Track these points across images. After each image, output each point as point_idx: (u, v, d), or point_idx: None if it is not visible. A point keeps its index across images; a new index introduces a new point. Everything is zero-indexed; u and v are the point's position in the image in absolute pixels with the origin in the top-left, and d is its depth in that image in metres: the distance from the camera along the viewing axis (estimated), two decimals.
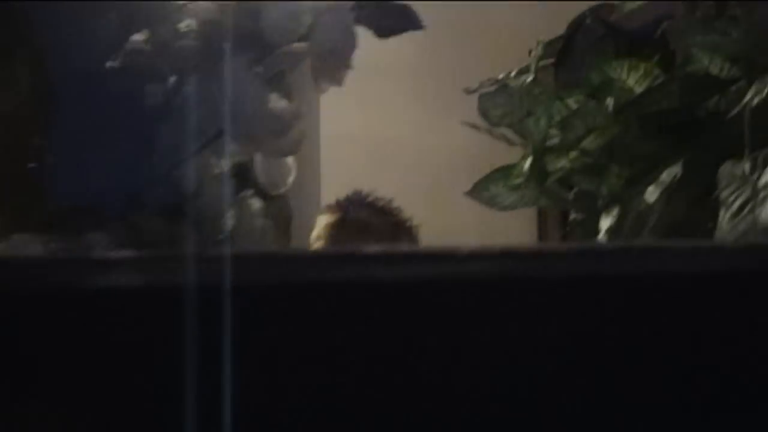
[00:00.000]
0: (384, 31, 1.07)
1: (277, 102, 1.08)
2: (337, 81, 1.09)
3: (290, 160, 1.29)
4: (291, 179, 1.29)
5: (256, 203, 1.04)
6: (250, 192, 1.04)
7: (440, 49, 2.76)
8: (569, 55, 1.33)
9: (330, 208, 2.23)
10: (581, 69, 1.37)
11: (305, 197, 3.54)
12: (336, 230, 2.19)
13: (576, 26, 1.35)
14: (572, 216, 1.28)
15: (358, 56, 1.05)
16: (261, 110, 1.03)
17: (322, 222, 2.21)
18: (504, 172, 1.41)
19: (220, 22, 1.01)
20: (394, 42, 1.10)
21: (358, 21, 1.05)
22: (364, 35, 1.06)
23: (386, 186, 3.60)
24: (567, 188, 1.45)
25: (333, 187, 3.12)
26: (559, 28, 1.41)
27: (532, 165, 1.23)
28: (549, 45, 1.37)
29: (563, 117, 1.37)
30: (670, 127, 1.30)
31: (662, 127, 1.30)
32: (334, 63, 1.05)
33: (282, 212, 1.33)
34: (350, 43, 1.05)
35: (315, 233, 2.22)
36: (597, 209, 1.27)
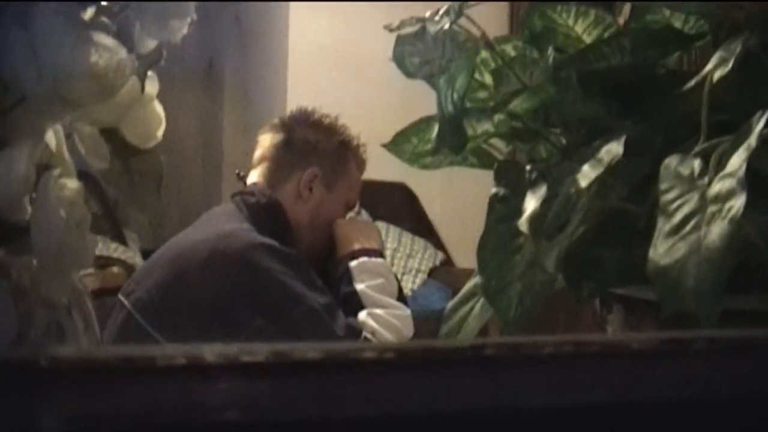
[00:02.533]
0: None
1: (109, 54, 0.84)
2: None
3: (159, 108, 1.06)
4: (161, 132, 1.07)
5: (69, 184, 0.82)
6: (56, 171, 0.81)
7: None
8: None
9: (273, 127, 2.03)
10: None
11: (272, 106, 3.33)
12: (280, 151, 1.99)
13: None
14: (494, 190, 1.06)
15: None
16: (73, 69, 0.79)
17: (266, 142, 2.00)
18: (427, 123, 1.19)
19: None
20: None
21: None
22: None
23: (354, 99, 3.40)
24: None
25: (300, 98, 2.90)
26: None
27: (440, 132, 1.00)
28: None
29: (495, 67, 1.14)
30: (618, 89, 1.06)
31: (608, 90, 1.07)
32: None
33: (151, 168, 1.10)
34: None
35: (258, 153, 2.01)
36: (523, 185, 1.04)
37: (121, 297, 1.84)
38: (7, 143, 0.86)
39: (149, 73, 0.99)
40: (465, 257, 3.53)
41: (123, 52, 0.86)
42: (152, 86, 1.02)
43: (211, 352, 0.46)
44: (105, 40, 0.85)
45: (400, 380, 0.47)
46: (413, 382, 0.47)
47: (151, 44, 0.85)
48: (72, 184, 0.83)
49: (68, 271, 0.84)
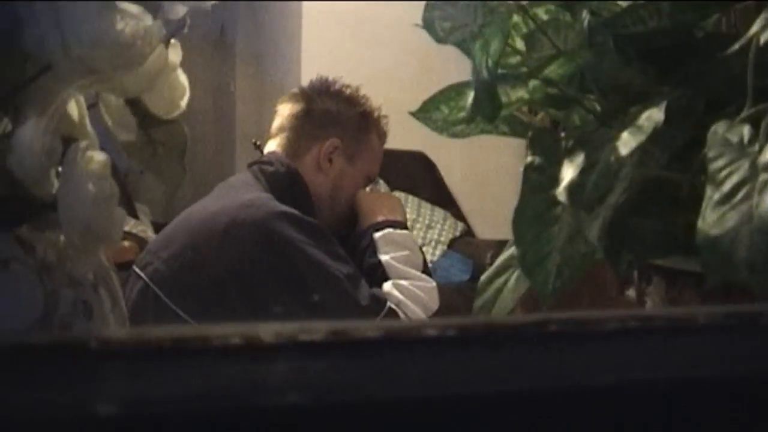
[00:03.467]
0: None
1: (135, 22, 0.82)
2: None
3: (182, 78, 1.04)
4: (184, 101, 1.04)
5: (96, 157, 0.79)
6: (83, 144, 0.79)
7: None
8: None
9: (293, 97, 1.99)
10: None
11: (285, 72, 3.29)
12: (300, 121, 1.96)
13: None
14: (528, 158, 1.03)
15: None
16: (99, 37, 0.77)
17: (285, 111, 1.97)
18: (457, 90, 1.16)
19: None
20: None
21: None
22: None
23: (372, 66, 3.36)
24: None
25: (314, 65, 2.86)
26: None
27: (475, 99, 0.97)
28: None
29: (527, 32, 1.11)
30: (656, 54, 1.03)
31: (645, 54, 1.03)
32: None
33: (175, 139, 1.08)
34: None
35: (277, 123, 1.98)
36: (559, 153, 1.02)
37: (136, 269, 1.82)
38: (29, 114, 0.83)
39: (172, 41, 0.96)
40: (486, 228, 3.49)
41: (149, 19, 0.84)
42: (176, 54, 1.00)
43: (268, 331, 0.44)
44: (131, 7, 0.83)
45: (462, 358, 0.45)
46: (476, 360, 0.45)
47: (181, 10, 0.83)
48: (99, 156, 0.81)
49: (96, 247, 0.82)
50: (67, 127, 0.88)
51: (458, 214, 3.64)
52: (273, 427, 0.42)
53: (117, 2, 0.83)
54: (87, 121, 0.91)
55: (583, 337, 0.48)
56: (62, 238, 0.84)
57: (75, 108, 0.90)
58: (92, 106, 0.95)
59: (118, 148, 0.99)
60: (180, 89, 1.03)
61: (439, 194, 3.62)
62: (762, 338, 0.51)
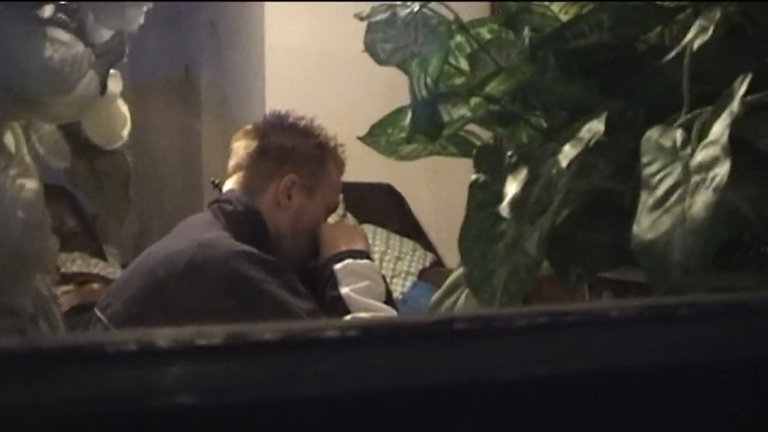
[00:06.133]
0: None
1: (64, 49, 0.81)
2: None
3: (123, 108, 1.03)
4: (126, 131, 1.04)
5: (28, 184, 0.78)
6: (13, 171, 0.78)
7: None
8: None
9: (248, 134, 1.98)
10: None
11: (251, 110, 3.29)
12: (255, 159, 1.94)
13: None
14: (473, 176, 1.03)
15: None
16: (27, 63, 0.76)
17: (240, 150, 1.96)
18: (404, 113, 1.16)
19: None
20: None
21: None
22: None
23: (336, 98, 3.36)
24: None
25: (279, 100, 2.86)
26: None
27: (413, 117, 0.97)
28: None
29: (470, 51, 1.11)
30: (597, 68, 1.04)
31: (587, 69, 1.04)
32: None
33: (118, 168, 1.07)
34: None
35: (233, 161, 1.97)
36: (503, 169, 1.01)
37: (97, 311, 1.80)
38: None
39: (112, 71, 0.96)
40: (455, 257, 3.48)
41: (80, 47, 0.83)
42: (115, 84, 0.99)
43: (164, 336, 0.43)
44: (60, 34, 0.82)
45: (364, 358, 0.44)
46: (378, 360, 0.44)
47: (105, 34, 0.82)
48: (31, 184, 0.80)
49: (30, 275, 0.80)
50: (2, 156, 0.87)
51: (427, 245, 3.63)
52: (165, 429, 0.41)
53: (47, 29, 0.82)
54: (24, 148, 0.90)
55: (489, 335, 0.47)
56: None
57: (11, 137, 0.90)
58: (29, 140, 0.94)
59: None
60: (121, 119, 1.03)
61: (407, 225, 3.62)
62: (677, 330, 0.50)
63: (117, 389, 0.41)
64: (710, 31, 0.87)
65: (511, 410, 0.46)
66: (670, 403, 0.48)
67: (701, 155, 0.76)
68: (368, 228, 3.31)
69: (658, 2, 1.04)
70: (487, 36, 1.12)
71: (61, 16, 0.87)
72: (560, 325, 0.48)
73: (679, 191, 0.76)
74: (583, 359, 0.47)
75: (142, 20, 0.82)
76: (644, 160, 0.80)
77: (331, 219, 2.02)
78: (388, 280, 1.99)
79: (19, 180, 0.76)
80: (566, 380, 0.47)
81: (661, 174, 0.78)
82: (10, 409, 0.39)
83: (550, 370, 0.47)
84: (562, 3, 1.08)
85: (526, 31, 1.06)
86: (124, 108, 1.02)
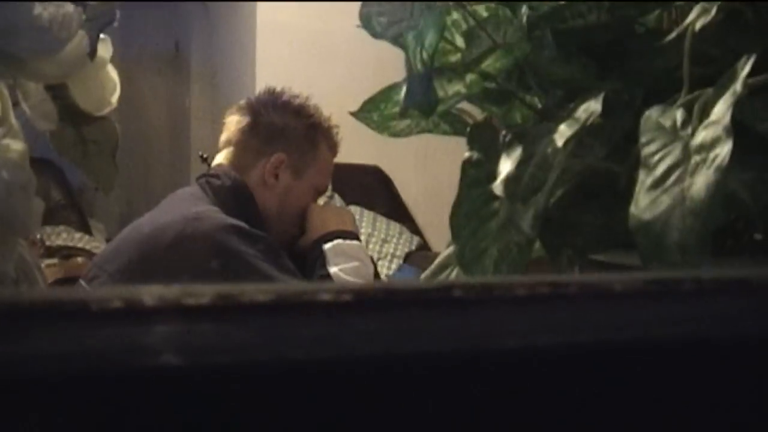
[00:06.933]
0: None
1: (54, 7, 0.79)
2: None
3: (112, 73, 1.01)
4: (115, 97, 1.02)
5: (13, 145, 0.76)
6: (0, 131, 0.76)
7: None
8: None
9: (240, 109, 1.96)
10: None
11: (241, 87, 3.27)
12: (246, 135, 1.93)
13: None
14: (467, 154, 1.01)
15: None
16: (16, 21, 0.74)
17: (232, 125, 1.94)
18: (397, 89, 1.14)
19: None
20: None
21: None
22: None
23: (326, 79, 3.34)
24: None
25: (269, 77, 2.84)
26: None
27: (408, 91, 0.96)
28: None
29: (467, 28, 1.09)
30: (595, 48, 1.02)
31: (585, 49, 1.02)
32: None
33: (106, 136, 1.05)
34: None
35: (224, 136, 1.95)
36: (497, 148, 1.00)
37: (82, 282, 1.78)
38: None
39: (102, 36, 0.94)
40: (442, 241, 3.47)
41: (69, 6, 0.81)
42: (105, 50, 0.97)
43: (151, 294, 0.42)
44: None
45: (356, 323, 0.43)
46: (371, 325, 0.43)
47: None
48: (16, 145, 0.78)
49: (12, 237, 0.79)
50: None
51: (414, 228, 3.62)
52: (150, 388, 0.39)
53: None
54: (10, 109, 0.88)
55: (488, 303, 0.45)
56: None
57: None
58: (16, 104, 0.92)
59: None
60: (110, 85, 1.01)
61: (394, 208, 3.60)
62: (679, 305, 0.49)
63: (101, 348, 0.40)
64: (713, 12, 0.86)
65: (508, 380, 0.44)
66: (672, 376, 0.47)
67: (702, 135, 0.75)
68: (355, 210, 3.30)
69: None
70: (484, 13, 1.10)
71: None
72: (561, 295, 0.47)
73: (678, 171, 0.74)
74: (584, 331, 0.46)
75: None
76: (643, 139, 0.79)
77: (320, 201, 2.00)
78: (374, 261, 1.98)
79: (5, 140, 0.74)
80: (566, 351, 0.45)
81: (661, 153, 0.77)
82: None
83: (549, 340, 0.45)
84: None
85: (524, 9, 1.04)
86: (113, 74, 1.00)
